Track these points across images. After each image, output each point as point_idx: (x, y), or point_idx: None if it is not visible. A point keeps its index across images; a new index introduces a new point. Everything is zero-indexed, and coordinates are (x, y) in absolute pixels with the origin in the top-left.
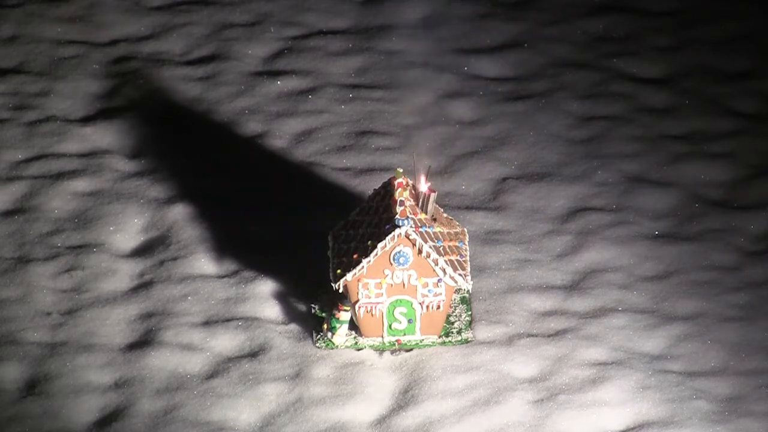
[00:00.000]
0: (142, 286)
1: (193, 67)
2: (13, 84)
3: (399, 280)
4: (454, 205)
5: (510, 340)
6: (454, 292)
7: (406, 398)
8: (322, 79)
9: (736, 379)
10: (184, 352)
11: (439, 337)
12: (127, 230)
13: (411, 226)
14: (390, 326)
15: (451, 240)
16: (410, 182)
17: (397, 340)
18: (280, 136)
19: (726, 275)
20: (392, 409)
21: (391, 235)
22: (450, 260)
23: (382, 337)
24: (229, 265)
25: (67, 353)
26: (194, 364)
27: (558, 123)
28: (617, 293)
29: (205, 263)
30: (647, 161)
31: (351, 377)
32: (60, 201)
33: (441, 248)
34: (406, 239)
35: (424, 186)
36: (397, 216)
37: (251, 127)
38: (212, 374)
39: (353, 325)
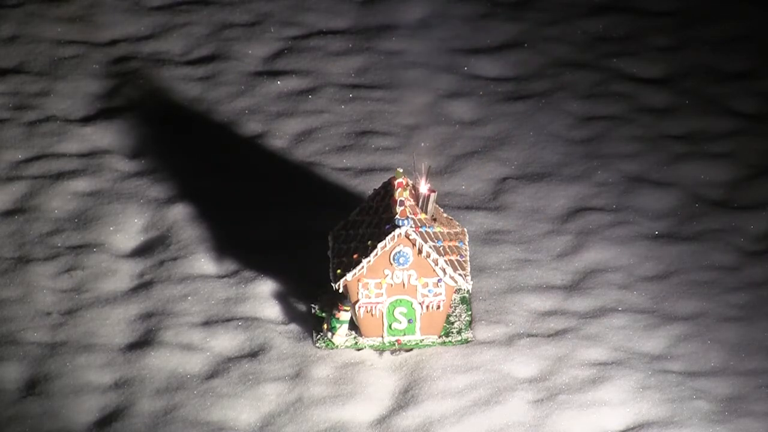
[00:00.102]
0: (142, 286)
1: (193, 67)
2: (13, 84)
3: (399, 280)
4: (454, 205)
5: (510, 340)
6: (454, 292)
7: (406, 398)
8: (322, 79)
9: (736, 379)
10: (184, 352)
11: (439, 337)
12: (127, 230)
13: (411, 226)
14: (390, 326)
15: (451, 240)
16: (410, 182)
17: (397, 340)
18: (280, 136)
19: (726, 275)
20: (392, 409)
21: (391, 235)
22: (450, 260)
23: (382, 337)
24: (229, 265)
25: (67, 353)
26: (194, 364)
27: (558, 123)
28: (617, 293)
29: (205, 263)
30: (647, 161)
31: (351, 377)
32: (60, 201)
33: (441, 248)
34: (406, 239)
35: (424, 187)
36: (397, 216)
37: (251, 127)
38: (212, 374)
39: (353, 325)
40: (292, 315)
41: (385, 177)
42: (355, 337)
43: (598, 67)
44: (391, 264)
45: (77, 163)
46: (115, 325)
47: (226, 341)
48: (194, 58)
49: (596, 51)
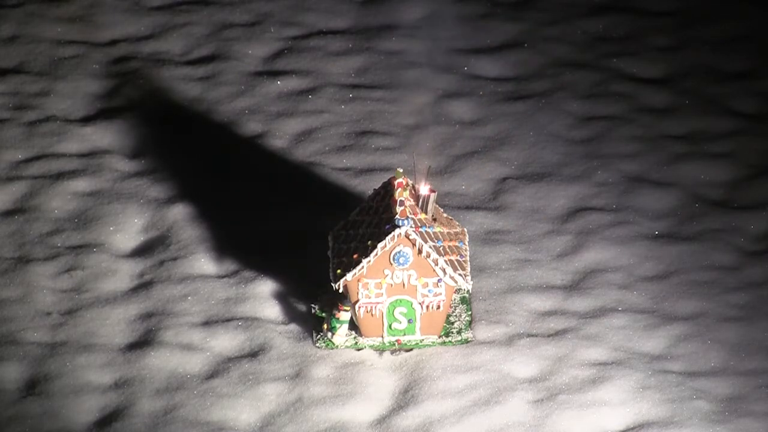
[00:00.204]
0: (142, 286)
1: (193, 67)
2: (13, 84)
3: (399, 280)
4: (454, 205)
5: (510, 340)
6: (454, 292)
7: (406, 398)
8: (322, 79)
9: (736, 379)
10: (184, 352)
11: (439, 337)
12: (127, 230)
13: (411, 226)
14: (390, 326)
15: (451, 240)
16: (410, 182)
17: (397, 340)
18: (280, 136)
19: (726, 275)
20: (392, 409)
21: (391, 235)
22: (450, 260)
23: (382, 337)
24: (229, 265)
25: (67, 353)
26: (194, 364)
27: (558, 123)
28: (617, 293)
29: (205, 263)
30: (647, 161)
31: (351, 377)
32: (60, 201)
33: (441, 248)
34: (406, 239)
35: (424, 189)
36: (397, 216)
37: (251, 127)
38: (212, 374)
39: (353, 325)
40: (292, 315)
41: (385, 177)
42: (355, 337)
43: (598, 67)
44: (391, 264)
45: (77, 163)
46: (115, 325)
47: (226, 341)
48: (194, 58)
49: (596, 51)
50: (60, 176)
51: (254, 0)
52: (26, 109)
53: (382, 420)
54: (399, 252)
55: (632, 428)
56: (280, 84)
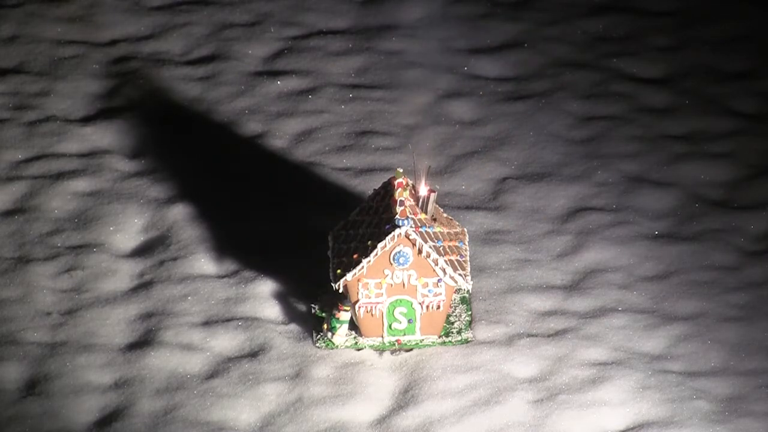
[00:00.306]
0: (142, 286)
1: (193, 67)
2: (13, 84)
3: (399, 280)
4: (454, 205)
5: (510, 340)
6: (454, 292)
7: (406, 398)
8: (322, 79)
9: (736, 379)
10: (184, 352)
11: (439, 337)
12: (127, 230)
13: (411, 226)
14: (390, 326)
15: (451, 240)
16: (410, 182)
17: (397, 340)
18: (280, 136)
19: (726, 275)
20: (392, 409)
21: (391, 235)
22: (450, 260)
23: (382, 337)
24: (229, 265)
25: (67, 353)
26: (194, 364)
27: (558, 123)
28: (617, 293)
29: (205, 263)
30: (647, 161)
31: (351, 377)
32: (60, 201)
33: (441, 248)
34: (406, 239)
35: (424, 189)
36: (397, 216)
37: (251, 127)
38: (212, 374)
39: (353, 325)
40: (292, 315)
41: (385, 177)
42: (355, 337)
43: (598, 67)
44: (391, 264)
45: (77, 163)
46: (115, 325)
47: (226, 341)
48: (194, 58)
49: (596, 51)
50: (60, 176)
51: (254, 0)
52: (26, 109)
53: (382, 420)
54: (399, 252)
55: (632, 428)
56: (280, 84)
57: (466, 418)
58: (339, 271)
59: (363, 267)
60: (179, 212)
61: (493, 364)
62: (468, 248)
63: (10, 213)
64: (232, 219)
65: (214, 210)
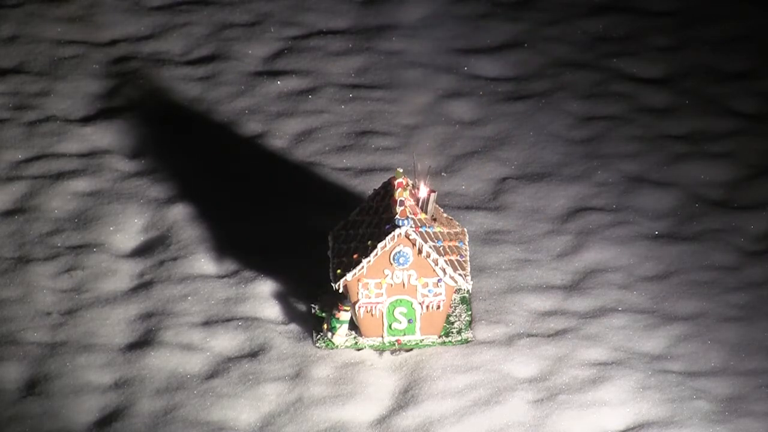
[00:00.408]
0: (142, 286)
1: (193, 67)
2: (13, 84)
3: (399, 280)
4: (454, 205)
5: (510, 340)
6: (454, 292)
7: (406, 398)
8: (322, 79)
9: (736, 379)
10: (184, 352)
11: (439, 337)
12: (127, 230)
13: (411, 226)
14: (390, 326)
15: (451, 240)
16: (410, 182)
17: (397, 340)
18: (280, 136)
19: (726, 275)
20: (392, 409)
21: (391, 235)
22: (450, 260)
23: (382, 337)
24: (229, 265)
25: (67, 353)
26: (194, 364)
27: (558, 123)
28: (617, 293)
29: (205, 263)
30: (647, 161)
31: (351, 377)
32: (60, 201)
33: (441, 248)
34: (406, 239)
35: (424, 191)
36: (397, 216)
37: (251, 127)
38: (212, 374)
39: (353, 325)
40: (292, 315)
41: (385, 177)
42: (355, 337)
43: (598, 67)
44: (391, 264)
45: (77, 163)
46: (115, 325)
47: (226, 341)
48: (194, 58)
49: (596, 51)
50: (60, 176)
51: (254, 0)
52: (26, 109)
53: (382, 420)
54: (399, 252)
55: (632, 428)
56: (280, 84)
57: (466, 418)
58: (339, 271)
59: (363, 267)
60: (179, 212)
61: (493, 364)
62: (468, 248)
63: (10, 213)
64: (232, 219)
65: (214, 210)
